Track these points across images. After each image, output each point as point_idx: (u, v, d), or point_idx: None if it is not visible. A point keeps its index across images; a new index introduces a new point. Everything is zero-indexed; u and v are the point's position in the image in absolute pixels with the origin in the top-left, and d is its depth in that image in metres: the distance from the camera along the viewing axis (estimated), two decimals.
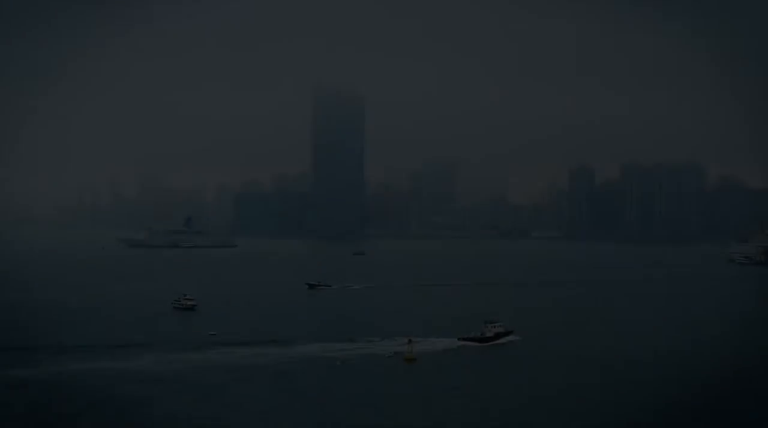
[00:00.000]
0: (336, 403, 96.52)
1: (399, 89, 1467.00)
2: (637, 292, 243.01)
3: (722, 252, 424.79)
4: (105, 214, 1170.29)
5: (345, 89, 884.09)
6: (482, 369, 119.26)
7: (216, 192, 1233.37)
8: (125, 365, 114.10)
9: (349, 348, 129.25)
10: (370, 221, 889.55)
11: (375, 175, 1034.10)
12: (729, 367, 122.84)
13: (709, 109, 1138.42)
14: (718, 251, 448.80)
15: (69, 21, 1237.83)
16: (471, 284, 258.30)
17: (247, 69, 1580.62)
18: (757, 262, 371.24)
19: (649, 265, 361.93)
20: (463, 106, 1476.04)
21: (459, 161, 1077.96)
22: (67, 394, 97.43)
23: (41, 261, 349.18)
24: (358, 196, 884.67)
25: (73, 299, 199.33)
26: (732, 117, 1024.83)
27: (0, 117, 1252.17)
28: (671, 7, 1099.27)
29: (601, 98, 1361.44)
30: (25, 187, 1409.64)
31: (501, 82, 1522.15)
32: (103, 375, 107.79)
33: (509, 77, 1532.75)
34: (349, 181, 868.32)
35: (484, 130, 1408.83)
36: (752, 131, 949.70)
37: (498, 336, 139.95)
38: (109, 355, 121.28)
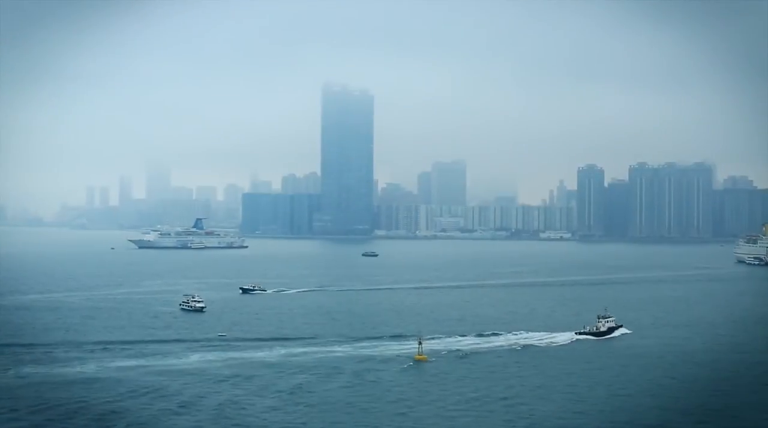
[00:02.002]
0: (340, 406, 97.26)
1: (408, 90, 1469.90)
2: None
3: (731, 252, 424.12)
4: (115, 214, 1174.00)
5: (354, 90, 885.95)
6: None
7: (226, 193, 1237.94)
8: (134, 366, 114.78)
9: (356, 349, 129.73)
10: (379, 222, 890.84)
11: (384, 176, 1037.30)
12: None
13: (717, 109, 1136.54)
14: (726, 251, 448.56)
15: (80, 22, 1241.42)
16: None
17: (258, 72, 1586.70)
18: (766, 263, 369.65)
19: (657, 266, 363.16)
20: (472, 107, 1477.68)
21: (468, 162, 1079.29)
22: (72, 394, 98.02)
23: (50, 262, 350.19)
24: (367, 196, 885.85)
25: (82, 300, 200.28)
26: (741, 117, 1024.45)
27: (8, 119, 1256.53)
28: (681, 9, 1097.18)
29: (610, 99, 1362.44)
30: (35, 187, 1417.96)
31: (509, 83, 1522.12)
32: (109, 376, 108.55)
33: (518, 78, 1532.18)
34: (358, 182, 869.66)
35: (492, 130, 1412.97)
36: (761, 132, 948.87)
37: (610, 330, 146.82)
38: (117, 356, 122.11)
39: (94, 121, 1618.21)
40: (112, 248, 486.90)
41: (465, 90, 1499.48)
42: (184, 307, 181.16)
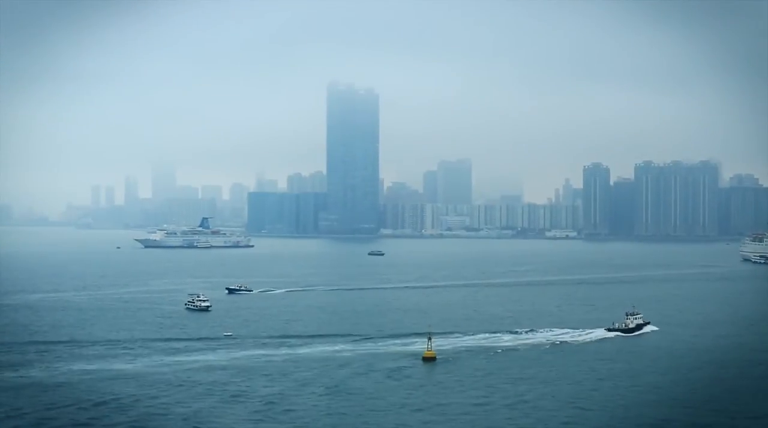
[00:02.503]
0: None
1: (413, 90, 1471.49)
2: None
3: (737, 250, 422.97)
4: (120, 214, 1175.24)
5: (359, 89, 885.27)
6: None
7: (231, 192, 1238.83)
8: (138, 366, 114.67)
9: (363, 348, 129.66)
10: (385, 221, 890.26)
11: (389, 175, 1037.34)
12: None
13: (722, 108, 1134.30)
14: (732, 250, 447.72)
15: (84, 21, 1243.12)
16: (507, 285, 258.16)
17: (263, 71, 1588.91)
18: None
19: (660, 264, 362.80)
20: (477, 106, 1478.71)
21: (473, 160, 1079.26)
22: (77, 395, 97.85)
23: (57, 262, 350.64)
24: (373, 195, 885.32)
25: (89, 299, 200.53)
26: (746, 116, 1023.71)
27: (14, 119, 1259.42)
28: (682, 8, 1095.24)
29: (614, 98, 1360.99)
30: (40, 187, 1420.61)
31: (514, 83, 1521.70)
32: (114, 375, 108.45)
33: (522, 77, 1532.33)
34: (363, 181, 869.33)
35: (498, 129, 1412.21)
36: (766, 130, 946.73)
37: (639, 327, 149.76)
38: (121, 356, 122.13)
39: (100, 120, 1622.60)
40: (118, 247, 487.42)
41: (470, 89, 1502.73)
42: (190, 307, 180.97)
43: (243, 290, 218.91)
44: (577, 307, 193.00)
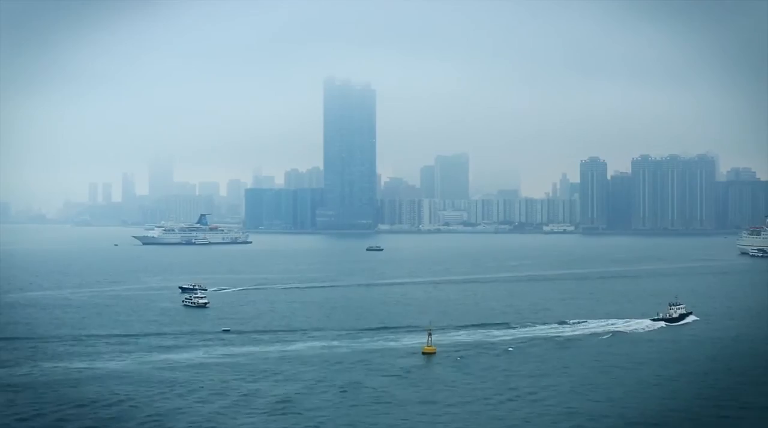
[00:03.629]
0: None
1: (410, 85, 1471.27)
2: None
3: (735, 244, 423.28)
4: (118, 211, 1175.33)
5: (356, 85, 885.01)
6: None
7: (229, 188, 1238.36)
8: (139, 363, 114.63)
9: (361, 344, 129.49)
10: (382, 216, 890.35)
11: (386, 171, 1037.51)
12: None
13: (719, 102, 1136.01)
14: (729, 243, 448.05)
15: (83, 20, 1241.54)
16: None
17: (261, 68, 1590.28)
18: None
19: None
20: (474, 101, 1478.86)
21: (470, 155, 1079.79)
22: (76, 392, 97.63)
23: (55, 260, 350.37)
24: (370, 191, 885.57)
25: (88, 297, 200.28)
26: (743, 110, 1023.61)
27: (12, 116, 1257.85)
28: (680, 3, 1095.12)
29: (612, 93, 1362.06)
30: (38, 184, 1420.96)
31: (512, 78, 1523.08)
32: (113, 373, 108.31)
33: (520, 72, 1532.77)
34: (360, 177, 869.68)
35: (495, 124, 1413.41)
36: (764, 124, 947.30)
37: (682, 316, 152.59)
38: (122, 353, 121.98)
39: (97, 117, 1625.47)
40: (116, 245, 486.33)
41: (467, 84, 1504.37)
42: (187, 303, 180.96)
43: (198, 289, 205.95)
44: (593, 301, 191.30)
